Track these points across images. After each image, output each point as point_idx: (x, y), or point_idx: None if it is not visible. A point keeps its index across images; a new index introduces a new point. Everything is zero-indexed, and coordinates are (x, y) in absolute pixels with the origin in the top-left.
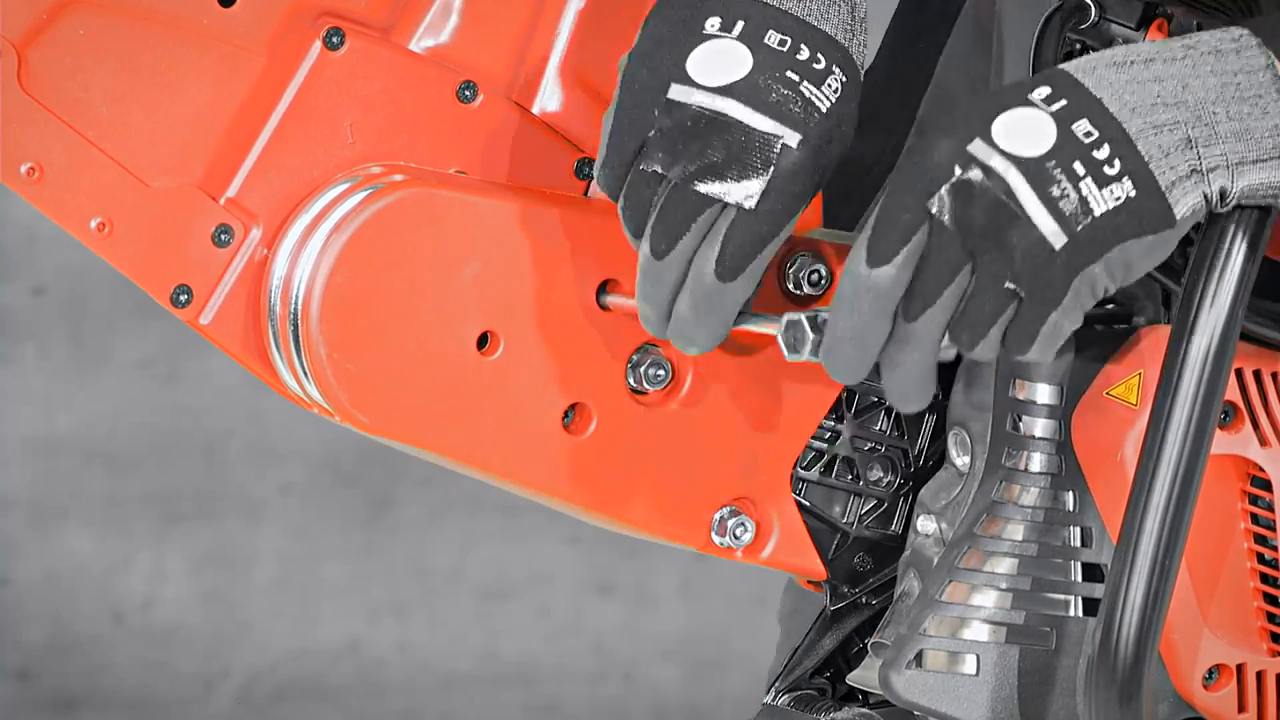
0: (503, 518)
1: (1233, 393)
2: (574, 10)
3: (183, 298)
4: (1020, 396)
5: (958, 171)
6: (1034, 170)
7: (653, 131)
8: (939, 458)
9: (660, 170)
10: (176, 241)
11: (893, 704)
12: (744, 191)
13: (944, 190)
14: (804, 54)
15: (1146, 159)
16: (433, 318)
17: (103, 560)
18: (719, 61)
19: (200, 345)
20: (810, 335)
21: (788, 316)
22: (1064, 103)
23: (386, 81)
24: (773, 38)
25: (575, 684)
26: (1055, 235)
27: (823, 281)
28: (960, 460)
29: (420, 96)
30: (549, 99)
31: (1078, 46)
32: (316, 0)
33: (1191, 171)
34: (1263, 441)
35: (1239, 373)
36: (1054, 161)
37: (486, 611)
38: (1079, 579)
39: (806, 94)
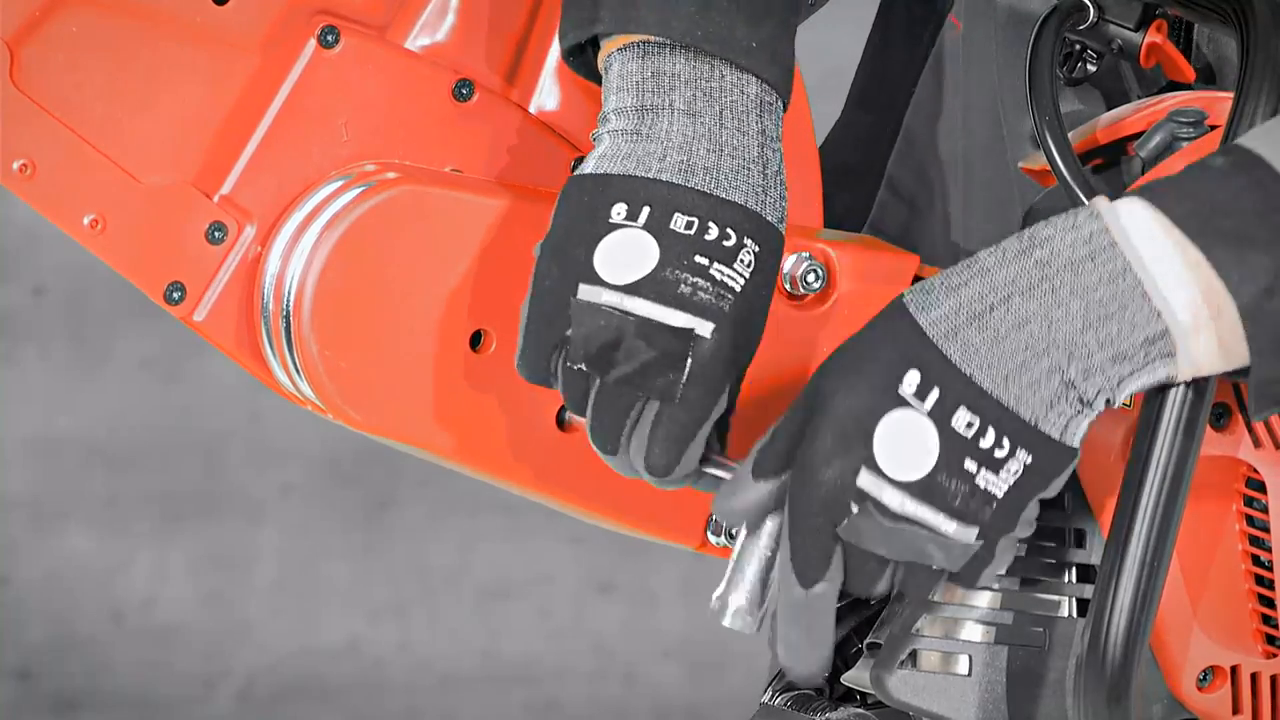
0: (503, 518)
1: (1227, 394)
2: None
3: (176, 294)
4: None
5: (854, 508)
6: (927, 490)
7: (569, 330)
8: None
9: (585, 369)
10: (170, 238)
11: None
12: (664, 386)
13: (847, 523)
14: (712, 233)
15: (1033, 422)
16: (426, 316)
17: (103, 560)
18: (625, 256)
19: (200, 345)
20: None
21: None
22: (936, 394)
23: (382, 80)
24: (679, 221)
25: (575, 684)
26: (966, 535)
27: (818, 282)
28: None
29: (416, 95)
30: (546, 97)
31: (1077, 47)
32: None
33: (1081, 405)
34: (1257, 443)
35: None
36: (944, 474)
37: (487, 611)
38: (1073, 580)
39: (717, 276)
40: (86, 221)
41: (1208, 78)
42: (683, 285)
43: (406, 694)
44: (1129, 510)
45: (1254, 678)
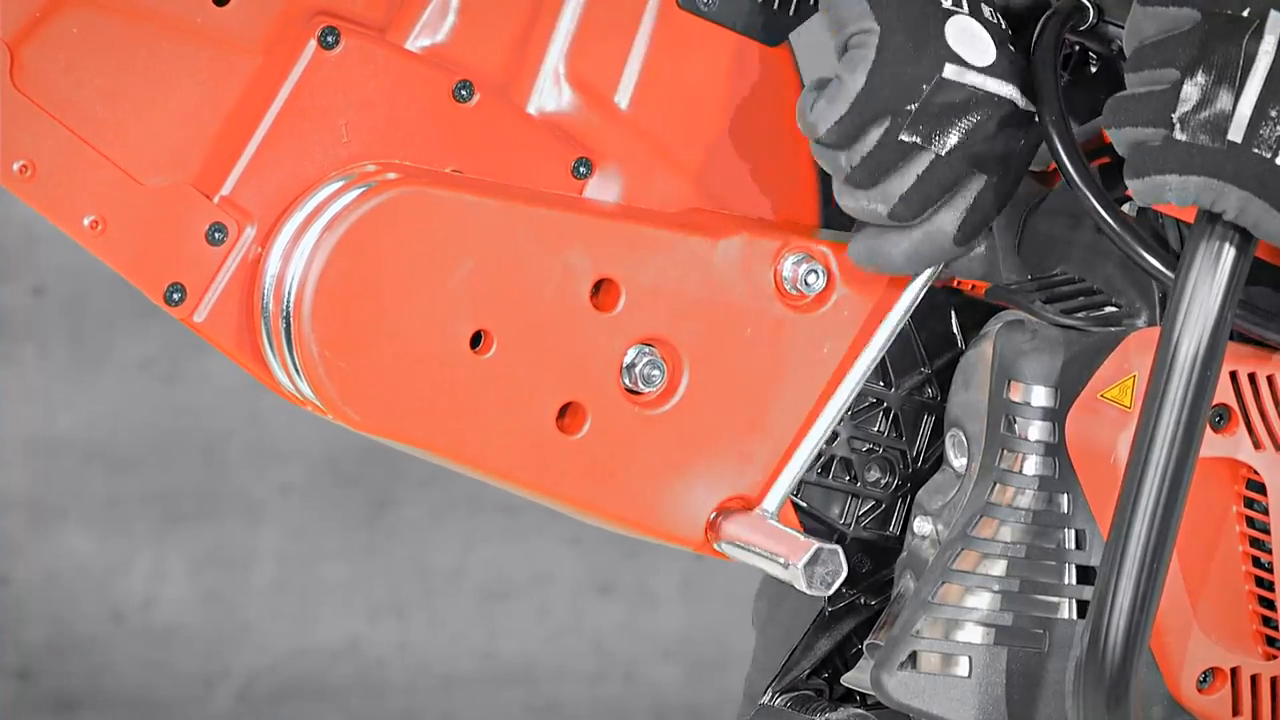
0: (503, 518)
1: (1227, 395)
2: (572, 10)
3: (176, 295)
4: (1015, 398)
5: None
6: None
7: (914, 105)
8: (937, 459)
9: (920, 143)
10: (170, 239)
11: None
12: (997, 160)
13: None
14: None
15: None
16: (425, 316)
17: (103, 560)
18: (971, 41)
19: (200, 345)
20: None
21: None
22: None
23: (382, 81)
24: (986, 11)
25: (575, 684)
26: None
27: (819, 283)
28: (958, 462)
29: (416, 96)
30: (546, 99)
31: (1076, 49)
32: None
33: None
34: (1257, 445)
35: (1233, 375)
36: None
37: (486, 611)
38: (1073, 581)
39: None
40: (87, 222)
41: None
42: (1018, 69)
43: (406, 694)
44: (1129, 511)
45: (1254, 679)
